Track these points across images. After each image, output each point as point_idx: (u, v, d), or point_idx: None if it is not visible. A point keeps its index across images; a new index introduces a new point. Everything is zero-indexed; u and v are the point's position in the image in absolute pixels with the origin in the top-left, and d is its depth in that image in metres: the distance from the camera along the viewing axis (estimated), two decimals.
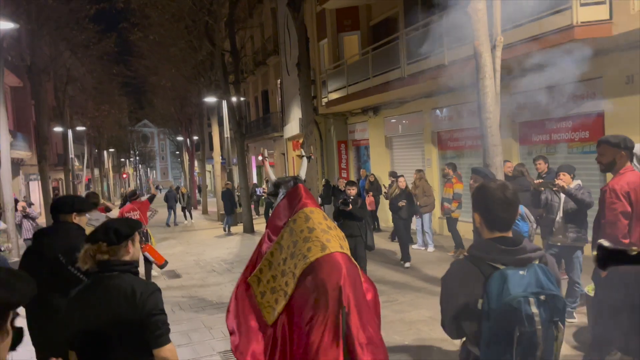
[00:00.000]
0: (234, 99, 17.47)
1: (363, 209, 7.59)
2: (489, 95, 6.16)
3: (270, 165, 28.75)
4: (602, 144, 3.88)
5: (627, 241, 3.75)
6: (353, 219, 7.42)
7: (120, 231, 2.39)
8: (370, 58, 12.89)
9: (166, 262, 8.80)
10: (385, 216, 14.78)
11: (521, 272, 1.95)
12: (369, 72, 12.93)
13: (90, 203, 4.14)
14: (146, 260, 8.80)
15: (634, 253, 1.56)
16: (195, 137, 35.73)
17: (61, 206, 3.55)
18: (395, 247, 11.25)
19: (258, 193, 22.58)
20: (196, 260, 11.98)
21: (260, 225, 17.20)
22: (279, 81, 24.52)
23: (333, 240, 3.48)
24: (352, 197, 7.62)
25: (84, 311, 2.25)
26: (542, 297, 1.92)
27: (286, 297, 3.43)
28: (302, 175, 4.45)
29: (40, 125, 19.02)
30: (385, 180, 14.82)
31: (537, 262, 2.02)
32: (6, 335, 1.25)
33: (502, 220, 2.08)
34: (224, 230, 17.43)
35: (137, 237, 2.51)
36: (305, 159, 4.75)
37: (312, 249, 3.37)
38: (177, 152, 57.47)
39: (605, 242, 1.70)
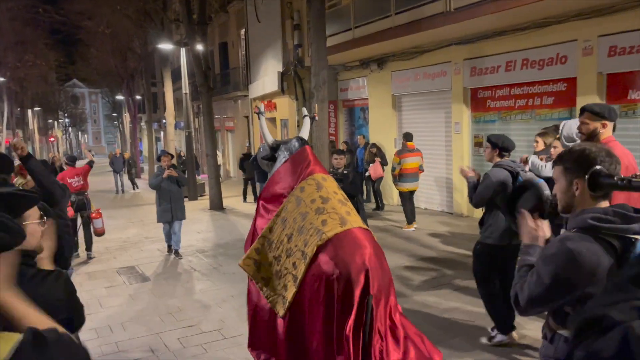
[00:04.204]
0: (199, 46, 14.03)
1: (355, 184, 6.06)
2: None
3: (230, 130, 25.57)
4: (585, 112, 3.63)
5: None
6: None
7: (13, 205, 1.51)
8: None
9: (103, 233, 8.48)
10: (390, 192, 12.28)
11: None
12: (390, 8, 10.07)
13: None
14: (87, 229, 8.49)
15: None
16: (138, 97, 31.48)
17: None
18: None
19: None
20: (162, 250, 8.90)
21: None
22: (242, 31, 21.07)
23: (353, 214, 2.98)
24: (340, 170, 6.16)
25: None
26: None
27: (296, 283, 2.80)
28: (305, 137, 3.79)
29: None
30: (390, 149, 12.25)
31: None
32: None
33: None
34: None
35: (35, 215, 1.73)
36: (307, 119, 4.08)
37: (328, 222, 2.82)
38: (115, 115, 52.01)
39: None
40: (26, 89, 33.22)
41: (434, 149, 11.26)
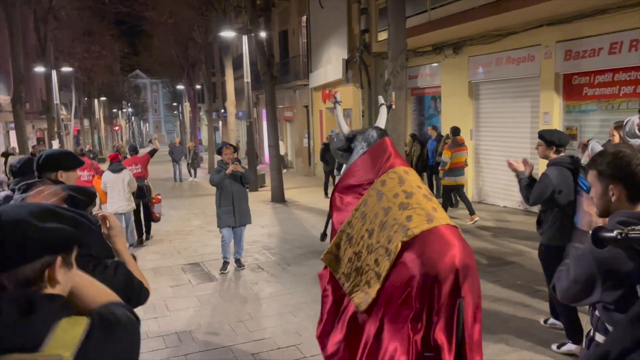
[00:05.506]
0: (262, 33, 13.56)
1: None
2: None
3: (289, 120, 25.17)
4: None
5: None
6: None
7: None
8: None
9: (159, 219, 9.17)
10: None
11: None
12: None
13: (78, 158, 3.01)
14: (147, 214, 9.02)
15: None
16: (198, 86, 31.73)
17: (44, 162, 2.77)
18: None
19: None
20: None
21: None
22: (303, 19, 20.51)
23: (440, 210, 2.81)
24: None
25: None
26: None
27: (380, 280, 2.69)
28: (382, 127, 3.55)
29: (15, 61, 15.09)
30: (466, 140, 11.27)
31: None
32: (72, 267, 1.31)
33: None
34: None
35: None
36: (384, 108, 3.81)
37: (413, 218, 2.67)
38: (175, 104, 53.20)
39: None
40: (93, 79, 34.24)
41: (517, 142, 10.25)
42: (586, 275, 1.81)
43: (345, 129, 3.59)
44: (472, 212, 9.41)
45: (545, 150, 4.14)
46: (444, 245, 2.57)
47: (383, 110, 3.80)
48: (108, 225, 2.04)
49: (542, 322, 4.70)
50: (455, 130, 9.77)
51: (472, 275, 2.58)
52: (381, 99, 3.94)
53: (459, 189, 9.72)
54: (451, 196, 9.96)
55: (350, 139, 3.49)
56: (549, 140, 4.11)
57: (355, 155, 3.34)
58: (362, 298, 2.79)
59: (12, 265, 1.19)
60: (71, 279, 1.32)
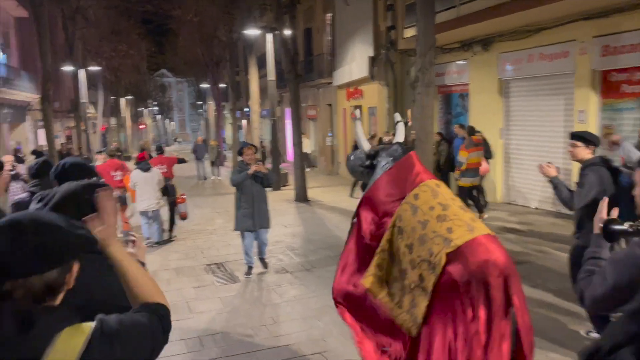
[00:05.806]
0: (287, 31, 13.43)
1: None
2: None
3: (312, 119, 25.03)
4: None
5: None
6: None
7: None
8: None
9: (186, 217, 9.35)
10: (492, 188, 11.06)
11: None
12: None
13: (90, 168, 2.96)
14: (171, 214, 9.25)
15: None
16: (222, 85, 31.84)
17: (69, 172, 2.71)
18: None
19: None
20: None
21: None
22: (328, 16, 20.32)
23: (478, 220, 2.80)
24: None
25: None
26: None
27: (427, 296, 2.62)
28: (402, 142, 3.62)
29: (43, 59, 15.31)
30: (494, 140, 10.95)
31: None
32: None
33: None
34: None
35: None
36: (400, 125, 3.76)
37: (454, 229, 2.66)
38: (199, 103, 53.70)
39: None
40: (120, 78, 34.67)
41: (549, 141, 9.88)
42: (628, 280, 1.74)
43: (366, 146, 3.57)
44: (481, 211, 9.36)
45: (583, 151, 4.03)
46: (486, 252, 2.59)
47: (400, 127, 3.78)
48: (135, 248, 2.01)
49: (582, 332, 4.44)
50: (471, 130, 9.60)
51: (517, 282, 2.58)
52: (397, 116, 3.93)
53: (472, 190, 9.55)
54: (466, 198, 9.73)
55: (372, 155, 3.47)
56: (590, 140, 4.00)
57: (379, 170, 3.30)
58: (408, 320, 2.75)
59: (49, 268, 1.21)
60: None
